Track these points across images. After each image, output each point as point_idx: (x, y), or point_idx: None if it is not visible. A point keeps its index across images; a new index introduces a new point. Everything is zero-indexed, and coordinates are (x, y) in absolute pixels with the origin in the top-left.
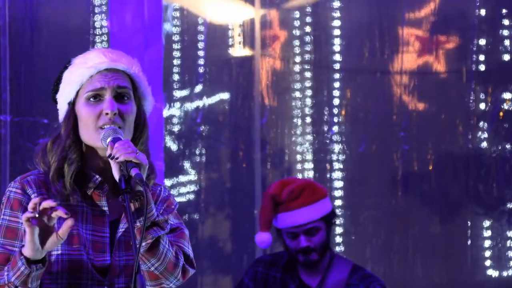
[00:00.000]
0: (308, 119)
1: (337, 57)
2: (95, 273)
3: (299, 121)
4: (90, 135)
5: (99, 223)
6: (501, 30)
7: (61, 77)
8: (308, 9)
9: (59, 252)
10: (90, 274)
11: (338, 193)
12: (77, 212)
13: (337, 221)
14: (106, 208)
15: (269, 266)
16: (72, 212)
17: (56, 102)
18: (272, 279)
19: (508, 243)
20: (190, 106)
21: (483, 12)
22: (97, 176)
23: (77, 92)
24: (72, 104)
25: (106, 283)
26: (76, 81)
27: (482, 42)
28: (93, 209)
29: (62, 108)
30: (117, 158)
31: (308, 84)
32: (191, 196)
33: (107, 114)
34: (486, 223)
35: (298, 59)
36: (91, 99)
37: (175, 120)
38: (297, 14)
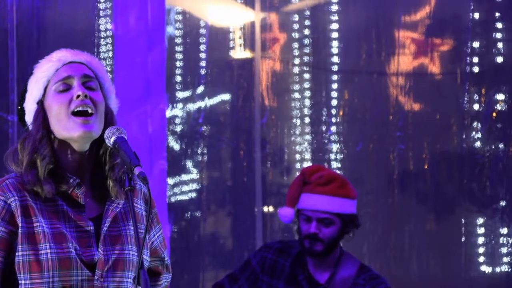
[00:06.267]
0: (307, 119)
1: (335, 59)
2: (85, 268)
3: (298, 121)
4: (62, 124)
5: (82, 219)
6: (494, 33)
7: (27, 86)
8: (307, 13)
9: (48, 251)
10: (79, 270)
11: None
12: (58, 211)
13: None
14: (85, 208)
15: (279, 253)
16: (53, 212)
17: (23, 118)
18: (281, 266)
19: (501, 240)
20: (192, 106)
21: (476, 15)
22: (74, 178)
23: (45, 89)
24: (41, 103)
25: (96, 277)
26: (42, 78)
27: (476, 44)
28: (73, 207)
29: (30, 110)
30: None
31: (307, 85)
32: (193, 194)
33: (78, 96)
34: (480, 221)
35: (297, 61)
36: (60, 89)
37: (177, 120)
38: (296, 17)
